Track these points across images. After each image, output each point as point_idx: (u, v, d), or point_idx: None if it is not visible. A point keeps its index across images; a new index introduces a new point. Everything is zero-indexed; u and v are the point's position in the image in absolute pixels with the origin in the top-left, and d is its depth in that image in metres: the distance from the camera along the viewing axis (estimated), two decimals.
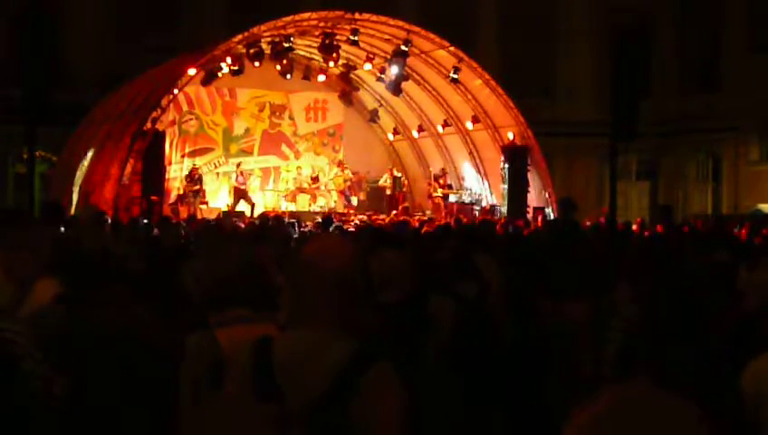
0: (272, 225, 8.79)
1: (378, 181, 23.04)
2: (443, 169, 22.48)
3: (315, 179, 22.64)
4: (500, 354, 4.40)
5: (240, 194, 21.12)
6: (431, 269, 6.01)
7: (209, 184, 21.73)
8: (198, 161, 21.66)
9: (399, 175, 23.11)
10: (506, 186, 20.23)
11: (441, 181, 21.95)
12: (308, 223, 16.52)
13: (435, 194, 21.80)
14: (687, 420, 2.22)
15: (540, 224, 16.53)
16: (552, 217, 18.69)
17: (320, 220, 14.40)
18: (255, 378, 2.27)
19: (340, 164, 22.99)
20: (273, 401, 2.22)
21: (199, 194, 20.40)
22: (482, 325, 4.47)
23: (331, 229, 10.92)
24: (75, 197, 17.99)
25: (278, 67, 20.19)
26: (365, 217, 19.80)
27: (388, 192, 22.60)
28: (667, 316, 2.29)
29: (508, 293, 4.83)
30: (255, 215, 18.99)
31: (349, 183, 22.48)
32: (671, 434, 2.20)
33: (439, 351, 4.48)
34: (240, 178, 21.30)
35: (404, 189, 23.23)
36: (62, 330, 2.56)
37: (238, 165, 21.76)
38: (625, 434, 2.19)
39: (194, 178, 20.51)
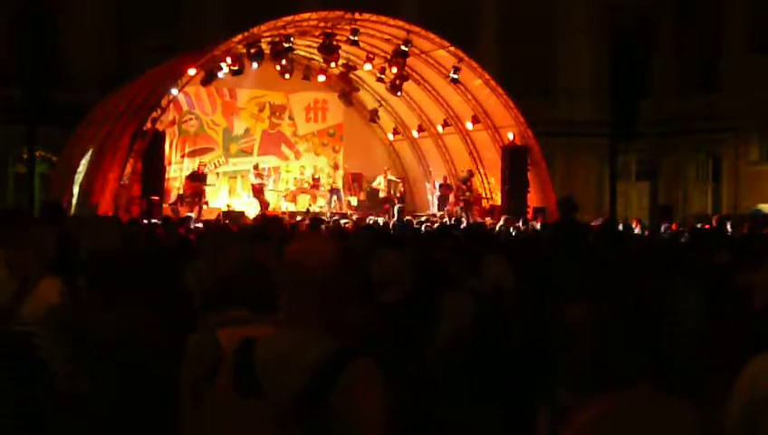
0: (271, 225, 8.80)
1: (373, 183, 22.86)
2: (470, 171, 21.92)
3: (316, 180, 22.62)
4: (510, 353, 4.40)
5: (258, 193, 21.03)
6: (431, 268, 6.02)
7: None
8: (199, 161, 21.61)
9: (394, 178, 22.65)
10: (507, 186, 20.21)
11: (468, 184, 21.64)
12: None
13: (462, 198, 21.23)
14: (687, 422, 2.22)
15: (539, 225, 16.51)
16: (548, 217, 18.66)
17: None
18: (237, 375, 2.30)
19: (336, 167, 22.90)
20: (254, 398, 2.24)
21: (201, 194, 20.21)
22: (497, 323, 4.48)
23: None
24: (75, 197, 17.98)
25: (278, 67, 20.19)
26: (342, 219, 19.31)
27: (382, 194, 22.31)
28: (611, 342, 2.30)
29: (520, 292, 4.82)
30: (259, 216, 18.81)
31: (332, 186, 22.41)
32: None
33: (453, 346, 4.49)
34: (256, 179, 21.20)
35: (399, 193, 22.80)
36: (65, 330, 2.57)
37: (256, 166, 21.71)
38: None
39: (201, 176, 20.23)
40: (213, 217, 18.97)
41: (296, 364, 2.25)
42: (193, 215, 17.80)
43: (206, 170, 20.80)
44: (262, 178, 21.31)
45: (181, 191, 21.03)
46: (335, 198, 22.25)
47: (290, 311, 2.37)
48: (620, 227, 12.53)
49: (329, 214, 20.30)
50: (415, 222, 15.47)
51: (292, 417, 2.18)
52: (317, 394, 2.21)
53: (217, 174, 22.45)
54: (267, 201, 21.01)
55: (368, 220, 18.11)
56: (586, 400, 2.25)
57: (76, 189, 18.02)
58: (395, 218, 19.35)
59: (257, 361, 2.30)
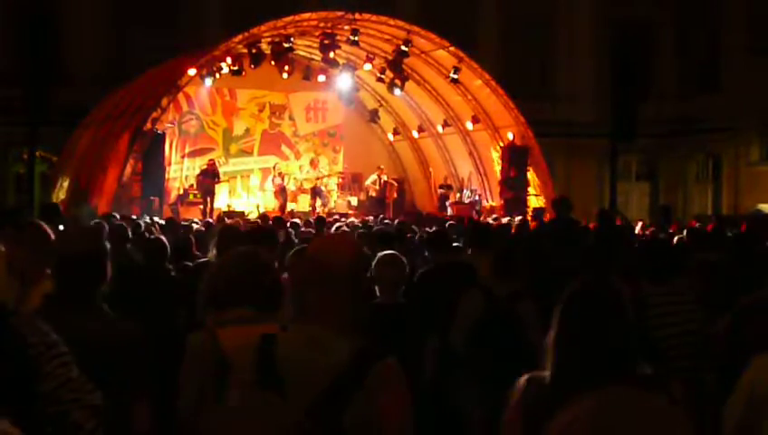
0: (274, 225, 8.81)
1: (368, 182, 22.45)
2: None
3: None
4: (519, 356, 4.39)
5: (281, 195, 20.91)
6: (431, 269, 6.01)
7: None
8: (199, 161, 21.59)
9: (386, 178, 22.09)
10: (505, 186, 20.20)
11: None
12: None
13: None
14: (668, 420, 2.23)
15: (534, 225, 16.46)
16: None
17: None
18: (259, 373, 2.29)
19: (312, 162, 22.60)
20: (275, 395, 2.23)
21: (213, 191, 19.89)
22: (507, 324, 4.47)
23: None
24: (75, 197, 17.94)
25: (285, 67, 20.14)
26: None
27: (373, 193, 21.99)
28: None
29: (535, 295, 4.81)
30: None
31: (318, 182, 22.21)
32: (652, 433, 2.22)
33: (460, 342, 4.49)
34: (278, 180, 21.08)
35: (395, 195, 22.41)
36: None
37: (275, 166, 21.59)
38: (605, 434, 2.21)
39: (213, 173, 20.06)
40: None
41: (319, 363, 2.24)
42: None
43: (218, 168, 20.51)
44: (282, 180, 21.15)
45: (181, 191, 21.02)
46: (318, 198, 21.67)
47: (305, 309, 2.36)
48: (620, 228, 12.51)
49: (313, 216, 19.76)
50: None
51: (315, 416, 2.17)
52: (342, 394, 2.20)
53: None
54: (285, 203, 20.88)
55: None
56: (567, 400, 2.27)
57: (76, 190, 17.96)
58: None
59: (278, 357, 2.29)
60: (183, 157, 21.82)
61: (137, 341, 3.09)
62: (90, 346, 2.74)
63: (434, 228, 7.83)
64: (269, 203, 21.81)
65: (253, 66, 19.27)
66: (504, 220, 15.29)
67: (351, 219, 14.51)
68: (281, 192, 20.97)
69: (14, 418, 2.00)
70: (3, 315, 2.34)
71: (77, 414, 2.36)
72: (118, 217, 11.25)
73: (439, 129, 22.37)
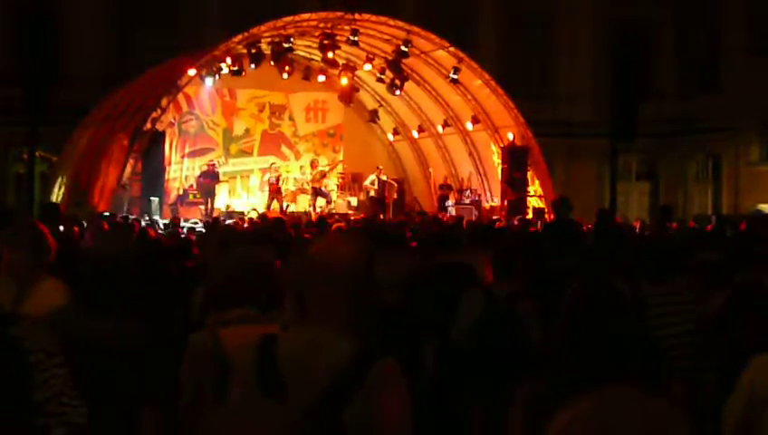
0: (274, 226, 8.80)
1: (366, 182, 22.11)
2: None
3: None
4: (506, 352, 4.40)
5: (275, 194, 20.91)
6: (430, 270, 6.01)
7: None
8: (199, 161, 21.59)
9: (385, 178, 21.66)
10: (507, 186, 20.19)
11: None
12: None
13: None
14: (668, 420, 2.24)
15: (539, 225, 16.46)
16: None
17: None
18: (259, 373, 2.28)
19: (313, 164, 22.65)
20: (276, 396, 2.23)
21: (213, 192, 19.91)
22: (507, 324, 4.47)
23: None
24: (74, 197, 17.93)
25: (285, 67, 20.13)
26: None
27: (372, 193, 21.67)
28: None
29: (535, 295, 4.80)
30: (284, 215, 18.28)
31: (318, 183, 22.10)
32: (651, 434, 2.23)
33: (461, 341, 4.49)
34: (273, 179, 21.06)
35: (395, 195, 22.13)
36: (65, 333, 2.56)
37: (271, 166, 21.57)
38: (605, 433, 2.21)
39: (214, 174, 20.08)
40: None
41: (320, 363, 2.23)
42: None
43: (217, 169, 20.51)
44: (277, 181, 21.14)
45: (181, 192, 21.01)
46: (319, 197, 21.35)
47: (307, 310, 2.35)
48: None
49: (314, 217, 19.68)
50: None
51: (314, 416, 2.17)
52: (343, 394, 2.20)
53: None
54: (282, 202, 20.85)
55: None
56: (563, 400, 2.27)
57: (75, 190, 17.97)
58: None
59: (279, 357, 2.28)
60: (183, 157, 21.80)
61: (149, 344, 3.09)
62: (109, 348, 2.74)
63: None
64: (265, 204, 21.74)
65: (253, 66, 19.27)
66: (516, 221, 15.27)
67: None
68: (275, 193, 20.95)
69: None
70: (2, 322, 2.33)
71: (60, 431, 2.34)
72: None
73: (439, 129, 22.36)
